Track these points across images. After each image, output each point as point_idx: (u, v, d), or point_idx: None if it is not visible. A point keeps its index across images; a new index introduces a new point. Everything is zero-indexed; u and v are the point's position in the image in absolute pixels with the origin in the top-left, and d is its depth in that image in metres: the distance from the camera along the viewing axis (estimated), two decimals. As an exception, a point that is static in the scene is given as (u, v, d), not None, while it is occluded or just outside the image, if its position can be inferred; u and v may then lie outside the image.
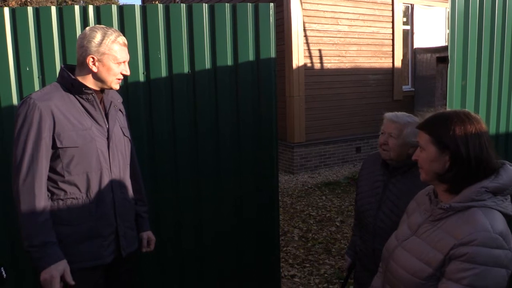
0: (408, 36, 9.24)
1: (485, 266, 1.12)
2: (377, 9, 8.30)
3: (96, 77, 1.82)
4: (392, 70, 8.67)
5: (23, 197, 1.70)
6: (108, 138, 1.88)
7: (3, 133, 2.53)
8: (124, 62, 1.85)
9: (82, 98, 1.82)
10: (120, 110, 2.02)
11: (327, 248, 4.48)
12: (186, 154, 2.84)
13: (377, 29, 8.37)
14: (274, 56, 2.87)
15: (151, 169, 2.77)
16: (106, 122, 1.89)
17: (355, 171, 7.67)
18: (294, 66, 7.47)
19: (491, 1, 2.70)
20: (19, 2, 15.31)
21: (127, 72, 1.88)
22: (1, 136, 2.54)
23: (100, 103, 1.89)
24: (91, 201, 1.82)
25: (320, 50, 7.80)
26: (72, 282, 1.72)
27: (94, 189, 1.82)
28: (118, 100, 2.04)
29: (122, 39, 1.84)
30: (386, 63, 8.59)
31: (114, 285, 2.01)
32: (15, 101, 2.53)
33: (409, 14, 9.19)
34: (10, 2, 14.75)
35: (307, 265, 4.09)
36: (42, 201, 1.72)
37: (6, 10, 2.48)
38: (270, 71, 2.88)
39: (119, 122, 1.97)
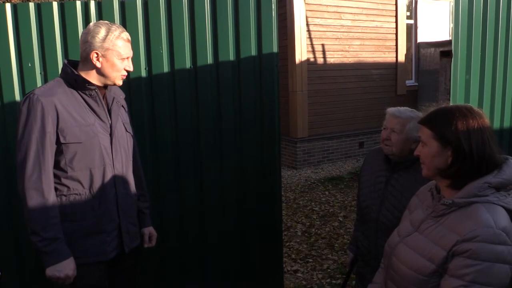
0: (411, 30, 9.19)
1: (488, 262, 1.11)
2: (380, 3, 8.24)
3: (100, 72, 1.82)
4: (395, 65, 8.63)
5: (30, 193, 1.70)
6: (111, 134, 1.88)
7: (6, 129, 2.54)
8: (127, 58, 1.85)
9: (85, 94, 1.82)
10: (122, 106, 2.02)
11: (330, 243, 4.48)
12: (188, 149, 2.84)
13: (381, 23, 8.32)
14: (276, 51, 2.85)
15: (153, 164, 2.78)
16: (109, 118, 1.89)
17: (358, 166, 7.66)
18: (297, 61, 7.44)
19: (495, -5, 2.68)
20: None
21: (131, 68, 1.88)
22: (4, 132, 2.54)
23: (103, 98, 1.89)
24: (94, 197, 1.83)
25: (323, 45, 7.76)
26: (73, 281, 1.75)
27: (97, 185, 1.83)
28: (121, 96, 2.04)
29: (126, 35, 1.83)
30: (389, 57, 8.55)
31: (116, 281, 2.02)
32: (17, 97, 2.53)
33: (412, 8, 9.13)
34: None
35: (310, 260, 4.10)
36: (51, 196, 1.73)
37: (8, 6, 2.48)
38: (273, 66, 2.87)
39: (122, 118, 1.97)
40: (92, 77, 1.82)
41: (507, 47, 2.77)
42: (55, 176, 1.78)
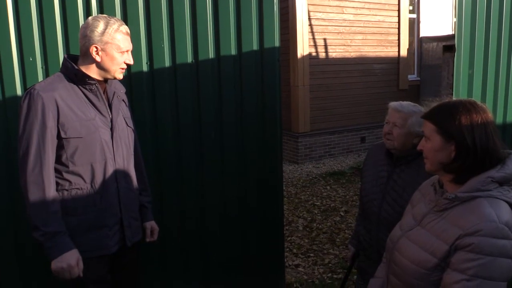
0: (414, 24, 9.14)
1: (491, 256, 1.11)
2: (383, -3, 8.21)
3: (100, 66, 1.81)
4: (397, 59, 8.60)
5: (32, 187, 1.70)
6: (111, 129, 1.88)
7: (8, 123, 2.53)
8: (127, 51, 1.84)
9: (86, 89, 1.82)
10: (123, 100, 2.02)
11: (331, 238, 4.49)
12: (189, 144, 2.84)
13: (383, 18, 8.28)
14: (278, 45, 2.84)
15: (154, 158, 2.77)
16: (110, 113, 1.88)
17: (360, 161, 7.65)
18: (299, 55, 7.42)
19: (499, -11, 2.66)
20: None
21: (131, 61, 1.87)
22: (6, 127, 2.54)
23: (104, 93, 1.88)
24: (96, 191, 1.83)
25: (325, 39, 7.73)
26: (81, 274, 1.75)
27: (98, 179, 1.83)
28: (121, 90, 2.03)
29: (125, 28, 1.82)
30: (391, 52, 8.51)
31: (119, 275, 2.03)
32: (18, 91, 2.53)
33: (415, 2, 9.08)
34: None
35: (311, 254, 4.11)
36: (52, 190, 1.74)
37: (9, 1, 2.46)
38: (274, 60, 2.86)
39: (122, 112, 1.97)
40: (92, 72, 1.82)
41: (511, 42, 2.75)
42: (57, 171, 1.78)
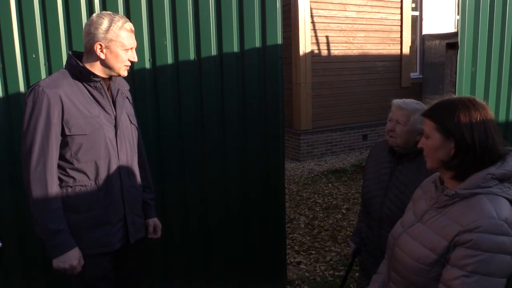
0: (416, 22, 9.11)
1: (490, 253, 1.11)
2: (385, -6, 8.18)
3: (104, 64, 1.82)
4: (400, 57, 8.57)
5: (35, 184, 1.71)
6: (115, 126, 1.88)
7: (11, 119, 2.54)
8: (131, 48, 1.84)
9: (90, 86, 1.82)
10: (127, 97, 2.02)
11: (333, 236, 4.49)
12: (192, 141, 2.84)
13: (386, 15, 8.25)
14: (281, 42, 2.84)
15: (157, 155, 2.78)
16: (114, 110, 1.89)
17: (361, 159, 7.65)
18: (301, 53, 7.40)
19: (503, -14, 2.64)
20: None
21: (135, 59, 1.87)
22: (10, 124, 2.55)
23: (108, 90, 1.89)
24: (100, 188, 1.83)
25: (327, 37, 7.72)
26: (80, 269, 1.76)
27: (102, 176, 1.83)
28: (125, 87, 2.03)
29: (129, 25, 1.82)
30: (394, 49, 8.49)
31: (122, 271, 2.04)
32: (22, 88, 2.54)
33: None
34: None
35: (313, 252, 4.11)
36: (54, 188, 1.74)
37: (12, -3, 2.47)
38: (277, 57, 2.86)
39: (126, 109, 1.97)
40: (97, 69, 1.82)
41: (514, 39, 2.75)
42: (61, 168, 1.78)
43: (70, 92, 1.76)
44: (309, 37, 7.47)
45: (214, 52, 2.78)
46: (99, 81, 1.82)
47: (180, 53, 2.74)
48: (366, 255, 2.13)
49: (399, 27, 8.44)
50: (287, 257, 3.46)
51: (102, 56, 1.79)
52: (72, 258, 1.73)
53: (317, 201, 5.66)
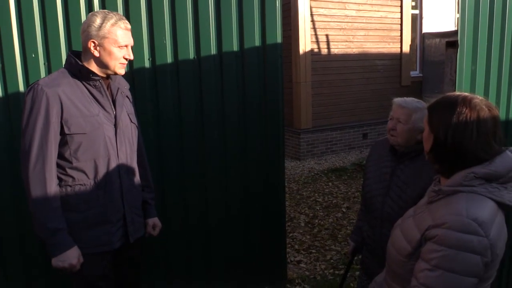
0: (416, 20, 9.10)
1: (453, 249, 1.12)
2: (385, -7, 8.17)
3: (99, 61, 1.81)
4: (400, 56, 8.57)
5: (33, 183, 1.71)
6: (115, 125, 1.88)
7: (10, 118, 2.54)
8: (126, 46, 1.82)
9: (90, 85, 1.82)
10: (127, 96, 2.02)
11: (333, 234, 4.50)
12: (192, 140, 2.84)
13: (385, 14, 8.24)
14: (280, 41, 2.83)
15: (157, 154, 2.78)
16: (113, 109, 1.88)
17: (361, 157, 7.65)
18: (301, 51, 7.40)
19: (503, -16, 2.64)
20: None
21: (130, 57, 1.85)
22: (10, 123, 2.55)
23: (107, 89, 1.88)
24: (99, 187, 1.83)
25: (327, 35, 7.71)
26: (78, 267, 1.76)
27: (101, 175, 1.83)
28: (125, 86, 2.03)
29: (123, 22, 1.80)
30: (394, 48, 8.49)
31: (121, 270, 2.04)
32: (21, 88, 2.53)
33: (418, -2, 9.03)
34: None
35: (313, 251, 4.11)
36: (53, 186, 1.74)
37: (11, -4, 2.47)
38: (277, 56, 2.86)
39: (126, 108, 1.97)
40: (94, 67, 1.81)
41: (514, 38, 2.74)
42: (60, 166, 1.78)
43: (70, 91, 1.76)
44: (309, 36, 7.46)
45: (213, 51, 2.78)
46: (98, 80, 1.82)
47: (180, 52, 2.73)
48: (367, 254, 2.13)
49: (399, 25, 8.44)
50: (287, 256, 3.46)
51: (96, 53, 1.78)
52: (71, 257, 1.73)
53: (317, 200, 5.66)
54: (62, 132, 1.75)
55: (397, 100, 1.95)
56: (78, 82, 1.80)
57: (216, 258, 3.02)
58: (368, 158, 2.18)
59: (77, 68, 1.79)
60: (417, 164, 1.88)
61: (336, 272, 3.67)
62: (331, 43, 7.76)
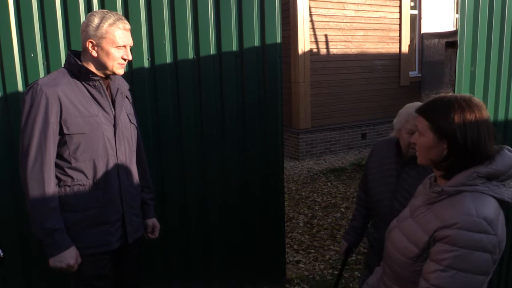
0: (415, 20, 9.11)
1: (466, 249, 1.12)
2: (384, -7, 8.17)
3: (97, 61, 1.80)
4: (399, 56, 8.57)
5: (32, 183, 1.70)
6: (114, 125, 1.87)
7: (10, 119, 2.53)
8: (124, 46, 1.81)
9: (89, 85, 1.81)
10: (127, 97, 2.01)
11: (332, 234, 4.50)
12: (191, 140, 2.84)
13: (384, 14, 8.25)
14: (280, 41, 2.83)
15: (156, 154, 2.78)
16: (113, 109, 1.88)
17: (360, 158, 7.66)
18: (300, 51, 7.40)
19: (502, -15, 2.64)
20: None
21: (129, 57, 1.84)
22: (8, 123, 2.54)
23: (107, 89, 1.88)
24: (98, 187, 1.83)
25: (326, 35, 7.71)
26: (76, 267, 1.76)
27: (100, 176, 1.83)
28: (125, 87, 2.02)
29: (122, 22, 1.79)
30: (393, 48, 8.49)
31: (120, 271, 2.03)
32: (20, 87, 2.53)
33: (417, -2, 9.04)
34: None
35: (312, 251, 4.11)
36: (51, 187, 1.73)
37: (10, -4, 2.46)
38: (276, 56, 2.86)
39: (126, 109, 1.96)
40: (92, 67, 1.81)
41: (513, 38, 2.74)
42: (59, 166, 1.78)
43: (69, 91, 1.76)
44: (308, 36, 7.46)
45: (213, 51, 2.78)
46: (98, 80, 1.81)
47: (179, 52, 2.73)
48: (372, 255, 2.12)
49: (398, 25, 8.44)
50: (286, 256, 3.46)
51: (94, 53, 1.78)
52: (69, 258, 1.73)
53: (316, 200, 5.66)
54: (61, 132, 1.75)
55: (414, 111, 1.91)
56: (78, 82, 1.80)
57: (215, 258, 3.02)
58: (370, 159, 2.15)
59: (76, 68, 1.79)
60: (423, 167, 1.86)
61: (335, 272, 3.67)
62: (330, 43, 7.77)
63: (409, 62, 8.87)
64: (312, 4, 7.44)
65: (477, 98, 1.26)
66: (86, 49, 1.79)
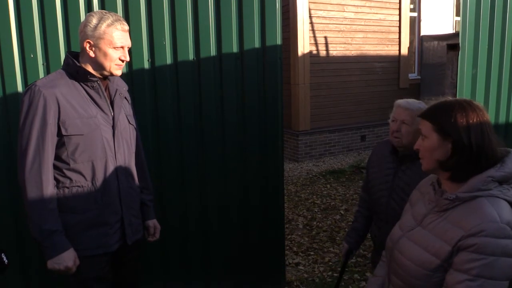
0: (415, 23, 9.12)
1: (493, 256, 1.12)
2: (384, -5, 8.18)
3: (94, 62, 1.79)
4: (398, 58, 8.58)
5: (30, 184, 1.69)
6: (113, 126, 1.86)
7: (9, 120, 2.52)
8: (122, 47, 1.80)
9: (87, 86, 1.80)
10: (125, 98, 2.00)
11: (332, 236, 4.49)
12: (191, 141, 2.83)
13: (384, 16, 8.26)
14: (280, 43, 2.83)
15: (156, 155, 2.77)
16: (111, 110, 1.87)
17: (360, 160, 7.65)
18: (300, 53, 7.40)
19: (503, -13, 2.64)
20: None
21: (126, 58, 1.83)
22: (7, 124, 2.53)
23: (106, 90, 1.87)
24: (97, 189, 1.82)
25: (325, 37, 7.72)
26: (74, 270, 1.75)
27: (99, 177, 1.82)
28: (124, 88, 2.01)
29: (120, 23, 1.78)
30: (392, 50, 8.50)
31: (120, 272, 2.02)
32: (19, 88, 2.52)
33: (416, 0, 9.05)
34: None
35: (312, 253, 4.10)
36: (50, 188, 1.72)
37: (10, -3, 2.45)
38: (276, 58, 2.85)
39: (125, 110, 1.95)
40: (90, 68, 1.80)
41: (514, 41, 2.74)
42: (58, 168, 1.77)
43: (67, 92, 1.75)
44: (308, 38, 7.46)
45: (213, 52, 2.77)
46: (96, 81, 1.80)
47: (179, 53, 2.72)
48: (376, 254, 2.14)
49: (398, 28, 8.45)
50: (285, 258, 3.45)
51: (92, 54, 1.77)
52: (67, 259, 1.71)
53: (316, 202, 5.65)
54: (59, 134, 1.74)
55: (400, 102, 1.97)
56: (76, 83, 1.79)
57: (215, 260, 3.01)
58: (370, 159, 2.20)
59: (74, 69, 1.78)
60: (418, 166, 1.87)
61: (335, 274, 3.66)
62: (329, 45, 7.77)
63: (408, 64, 8.88)
64: (312, 6, 7.45)
65: (477, 102, 1.29)
66: (83, 50, 1.78)
